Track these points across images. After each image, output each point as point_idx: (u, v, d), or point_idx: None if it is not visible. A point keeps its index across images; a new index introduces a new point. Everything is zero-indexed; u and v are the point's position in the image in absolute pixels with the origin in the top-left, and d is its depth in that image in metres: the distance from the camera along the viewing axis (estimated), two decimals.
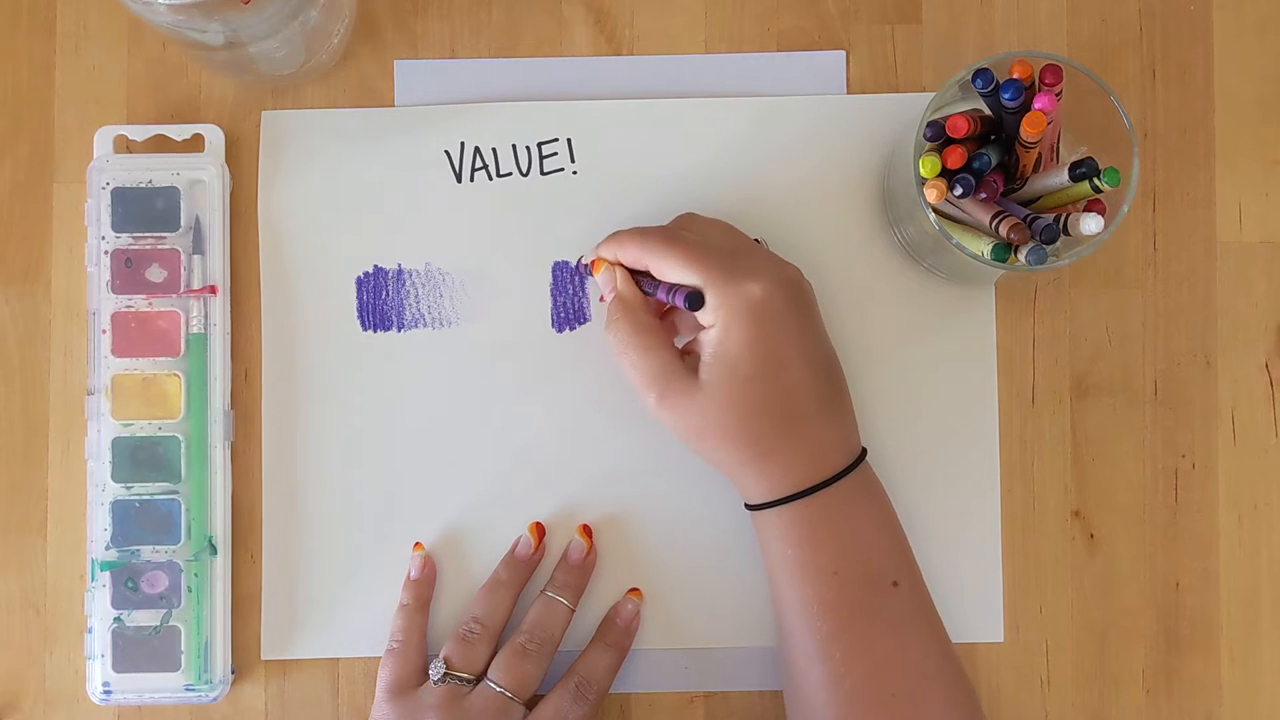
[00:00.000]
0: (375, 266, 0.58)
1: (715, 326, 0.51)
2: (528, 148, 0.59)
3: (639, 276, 0.54)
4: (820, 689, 0.51)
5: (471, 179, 0.59)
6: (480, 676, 0.54)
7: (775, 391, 0.51)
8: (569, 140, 0.59)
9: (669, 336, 0.53)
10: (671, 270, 0.52)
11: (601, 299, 0.55)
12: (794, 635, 0.52)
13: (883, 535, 0.52)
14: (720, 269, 0.51)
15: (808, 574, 0.51)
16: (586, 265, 0.56)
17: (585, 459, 0.58)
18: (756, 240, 0.56)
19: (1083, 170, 0.51)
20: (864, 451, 0.53)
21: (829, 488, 0.51)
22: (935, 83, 0.59)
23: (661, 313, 0.55)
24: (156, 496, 0.56)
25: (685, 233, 0.54)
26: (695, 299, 0.51)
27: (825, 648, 0.51)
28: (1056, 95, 0.50)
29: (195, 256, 0.57)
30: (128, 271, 0.57)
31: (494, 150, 0.59)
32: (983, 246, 0.52)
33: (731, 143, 0.58)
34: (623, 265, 0.54)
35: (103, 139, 0.58)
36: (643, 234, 0.54)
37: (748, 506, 0.53)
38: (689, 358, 0.53)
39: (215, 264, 0.57)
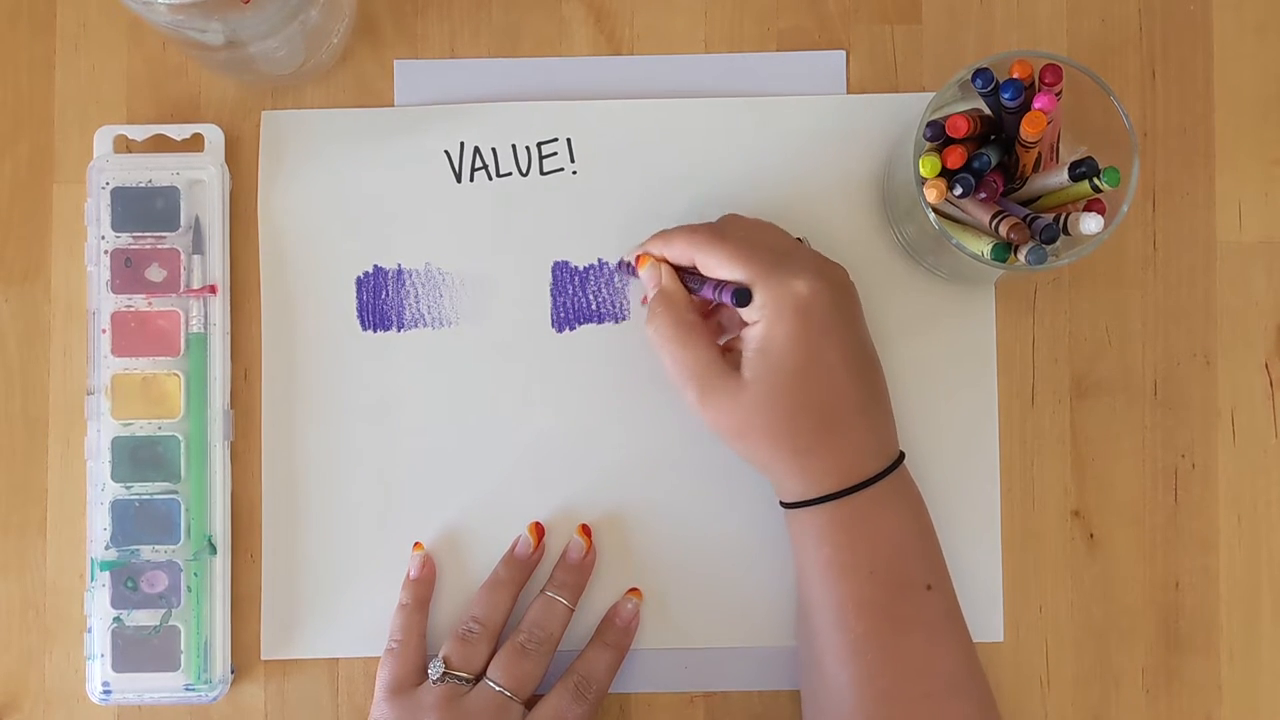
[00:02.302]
0: (375, 266, 0.58)
1: (760, 323, 0.51)
2: (528, 148, 0.59)
3: (684, 274, 0.54)
4: (850, 689, 0.51)
5: (471, 179, 0.59)
6: (479, 676, 0.54)
7: (817, 390, 0.51)
8: (569, 140, 0.59)
9: (711, 333, 0.54)
10: (719, 266, 0.52)
11: (644, 300, 0.55)
12: (824, 636, 0.52)
13: (918, 539, 0.52)
14: (768, 266, 0.51)
15: (844, 574, 0.51)
16: (629, 263, 0.56)
17: (584, 459, 0.58)
18: (799, 240, 0.56)
19: (1083, 170, 0.51)
20: (901, 455, 0.53)
21: (866, 489, 0.51)
22: (935, 83, 0.59)
23: (704, 312, 0.55)
24: (156, 496, 0.56)
25: (732, 230, 0.54)
26: (743, 294, 0.51)
27: (858, 646, 0.51)
28: (1056, 95, 0.50)
29: (195, 256, 0.57)
30: (127, 271, 0.57)
31: (494, 150, 0.59)
32: (983, 246, 0.52)
33: (731, 143, 0.58)
34: (668, 262, 0.54)
35: (103, 139, 0.58)
36: (691, 230, 0.54)
37: (783, 504, 0.53)
38: (730, 355, 0.53)
39: (215, 264, 0.57)
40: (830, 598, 0.51)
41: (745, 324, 0.52)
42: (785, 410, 0.51)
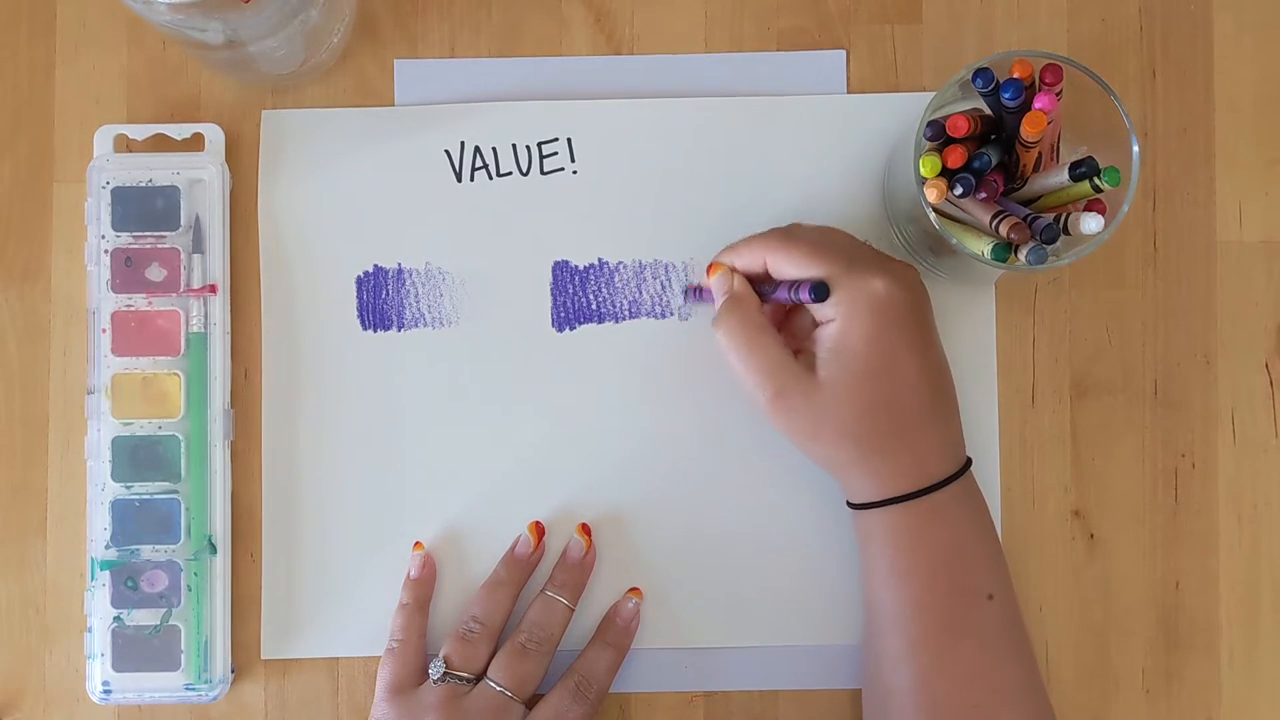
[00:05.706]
0: (375, 266, 0.58)
1: (836, 321, 0.51)
2: (528, 147, 0.59)
3: (754, 282, 0.54)
4: (906, 693, 0.51)
5: (471, 179, 0.59)
6: (480, 676, 0.54)
7: (891, 389, 0.51)
8: (569, 140, 0.59)
9: (781, 337, 0.53)
10: (793, 266, 0.52)
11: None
12: (884, 638, 0.52)
13: (982, 547, 0.52)
14: (843, 263, 0.51)
15: (905, 577, 0.51)
16: (695, 287, 0.57)
17: (585, 459, 0.58)
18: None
19: (1083, 170, 0.51)
20: (969, 461, 0.53)
21: (934, 493, 0.51)
22: (935, 82, 0.59)
23: (774, 321, 0.55)
24: (156, 496, 0.56)
25: (802, 232, 0.54)
26: (821, 289, 0.50)
27: (914, 651, 0.51)
28: (1056, 95, 0.50)
29: (195, 255, 0.57)
30: (127, 271, 0.57)
31: (494, 150, 0.59)
32: (983, 246, 0.52)
33: (731, 143, 0.58)
34: (738, 270, 0.54)
35: (103, 138, 0.58)
36: (760, 236, 0.54)
37: (850, 505, 0.53)
38: (802, 356, 0.53)
39: (215, 263, 0.57)
40: (891, 600, 0.51)
41: (816, 325, 0.52)
42: (860, 410, 0.51)
